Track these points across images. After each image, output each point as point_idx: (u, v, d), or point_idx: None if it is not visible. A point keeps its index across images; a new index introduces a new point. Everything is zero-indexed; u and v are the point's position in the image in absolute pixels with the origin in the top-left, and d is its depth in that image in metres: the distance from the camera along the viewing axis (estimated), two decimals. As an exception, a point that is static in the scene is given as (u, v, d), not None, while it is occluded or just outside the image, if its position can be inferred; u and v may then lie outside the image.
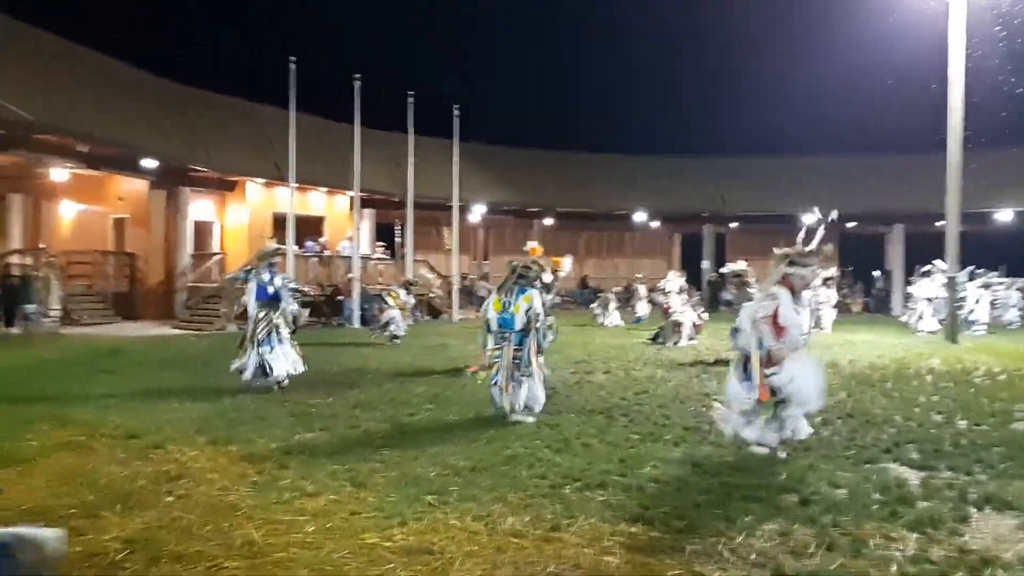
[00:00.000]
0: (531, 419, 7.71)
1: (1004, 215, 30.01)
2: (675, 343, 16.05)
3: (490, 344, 8.14)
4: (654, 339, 16.55)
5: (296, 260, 21.56)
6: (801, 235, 6.71)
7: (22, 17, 18.92)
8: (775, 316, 6.19)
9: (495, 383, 7.95)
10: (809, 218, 6.99)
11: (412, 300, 17.34)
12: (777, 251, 6.67)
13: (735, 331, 6.63)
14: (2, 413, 8.02)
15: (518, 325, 7.99)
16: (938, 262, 19.40)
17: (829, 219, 6.85)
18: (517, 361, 7.94)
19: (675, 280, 17.87)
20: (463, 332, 18.56)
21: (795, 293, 6.39)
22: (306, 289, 10.50)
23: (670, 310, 16.81)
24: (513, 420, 7.66)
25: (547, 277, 8.72)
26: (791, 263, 6.44)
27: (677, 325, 16.45)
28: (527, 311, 7.99)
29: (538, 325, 8.06)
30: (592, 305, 24.74)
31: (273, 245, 11.61)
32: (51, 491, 5.25)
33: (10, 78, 16.51)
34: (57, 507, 4.88)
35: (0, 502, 4.98)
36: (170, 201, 23.26)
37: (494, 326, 8.07)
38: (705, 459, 6.17)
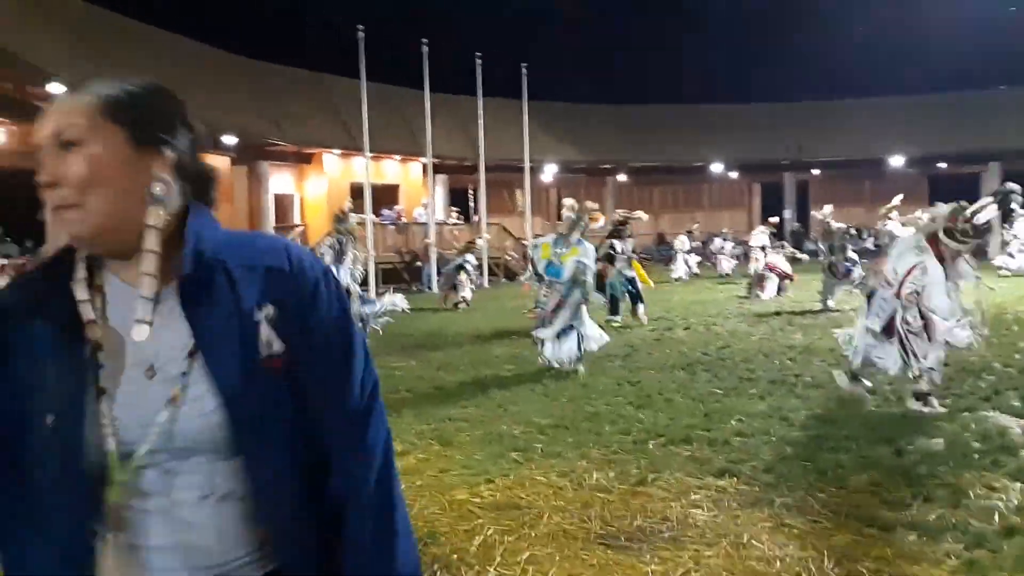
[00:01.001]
0: (582, 368, 7.84)
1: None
2: (758, 296, 15.70)
3: (538, 288, 8.29)
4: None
5: (374, 228, 21.94)
6: (974, 208, 5.89)
7: (99, 2, 19.61)
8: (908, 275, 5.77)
9: (540, 335, 8.05)
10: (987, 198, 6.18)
11: (474, 262, 17.40)
12: (941, 211, 5.95)
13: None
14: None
15: (566, 275, 8.00)
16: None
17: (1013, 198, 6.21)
18: (561, 311, 7.97)
19: (759, 235, 17.51)
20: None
21: (941, 261, 5.81)
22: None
23: (756, 262, 16.49)
24: (568, 369, 7.82)
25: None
26: (949, 233, 5.79)
27: (761, 279, 16.08)
28: (577, 262, 8.00)
29: (584, 278, 8.04)
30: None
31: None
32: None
33: (93, 62, 17.15)
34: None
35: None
36: (251, 176, 23.95)
37: (540, 269, 8.10)
38: (792, 412, 6.05)
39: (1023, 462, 4.60)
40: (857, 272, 12.89)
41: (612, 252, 12.18)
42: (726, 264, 23.18)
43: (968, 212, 5.82)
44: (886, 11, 43.21)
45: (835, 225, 13.86)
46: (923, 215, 6.02)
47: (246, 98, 23.16)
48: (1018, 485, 4.26)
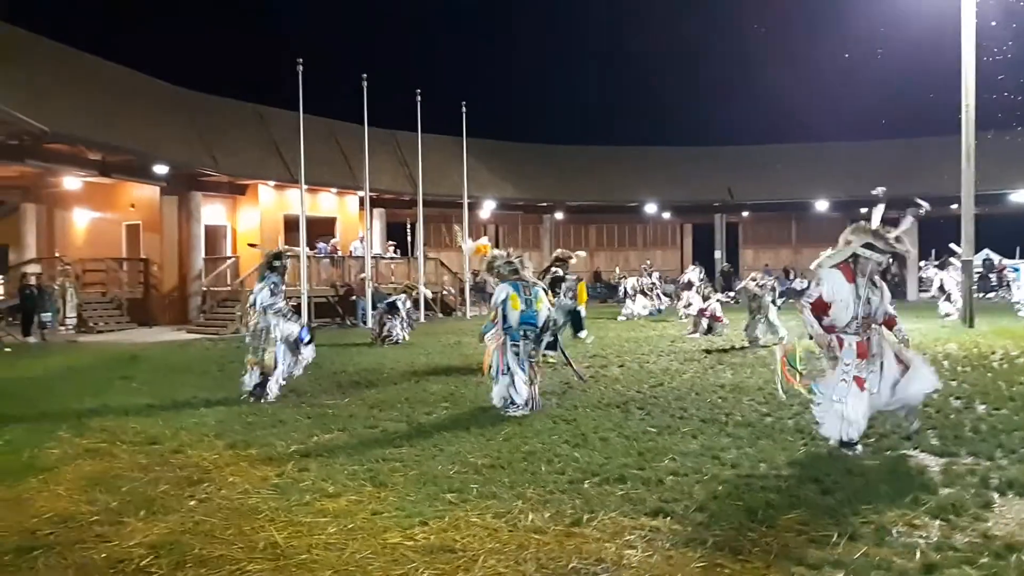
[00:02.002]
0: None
1: (1020, 196, 29.68)
2: (692, 334, 16.05)
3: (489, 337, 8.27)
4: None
5: (309, 261, 21.64)
6: (876, 217, 6.29)
7: (28, 27, 19.05)
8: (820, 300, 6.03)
9: (510, 378, 7.99)
10: (903, 206, 6.60)
11: (408, 304, 17.08)
12: (858, 227, 6.22)
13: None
14: (23, 422, 8.09)
15: (541, 321, 8.26)
16: (952, 245, 19.30)
17: (922, 210, 6.56)
18: (532, 359, 8.16)
19: (690, 273, 18.07)
20: (476, 329, 18.57)
21: (858, 277, 6.06)
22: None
23: (687, 303, 16.96)
24: (523, 413, 7.82)
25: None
26: (870, 245, 6.06)
27: (696, 321, 16.54)
28: (548, 310, 8.41)
29: (552, 322, 8.22)
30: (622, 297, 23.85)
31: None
32: (74, 498, 5.30)
33: (21, 89, 16.62)
34: (81, 514, 4.93)
35: (25, 510, 5.04)
36: (182, 206, 23.39)
37: (515, 324, 8.13)
38: (723, 451, 6.15)
39: (942, 500, 4.77)
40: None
41: (557, 282, 12.40)
42: (657, 302, 23.57)
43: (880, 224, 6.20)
44: (817, 60, 45.22)
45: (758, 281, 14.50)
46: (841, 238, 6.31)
47: (180, 128, 22.70)
48: (938, 523, 4.41)
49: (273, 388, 9.23)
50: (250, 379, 9.30)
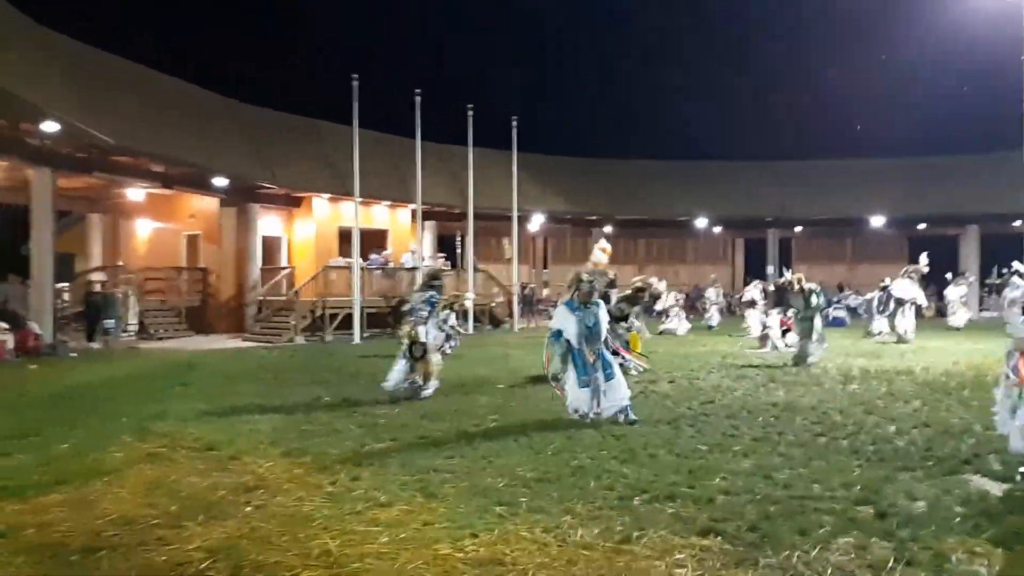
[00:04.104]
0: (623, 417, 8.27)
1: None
2: (765, 349, 16.22)
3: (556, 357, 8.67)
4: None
5: (362, 272, 21.96)
6: None
7: (95, 43, 19.77)
8: None
9: (586, 390, 8.27)
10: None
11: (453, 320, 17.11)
12: None
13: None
14: (87, 426, 8.39)
15: (603, 333, 8.65)
16: (1016, 264, 18.76)
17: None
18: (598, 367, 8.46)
19: (751, 290, 18.09)
20: (524, 342, 18.61)
21: None
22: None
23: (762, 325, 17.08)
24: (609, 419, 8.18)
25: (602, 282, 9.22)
26: None
27: (764, 337, 16.54)
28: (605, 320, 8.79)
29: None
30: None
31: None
32: (136, 501, 5.48)
33: (88, 103, 17.26)
34: (142, 517, 5.09)
35: (91, 512, 5.23)
36: (240, 217, 24.00)
37: (577, 338, 8.44)
38: (776, 470, 6.07)
39: (1004, 527, 4.63)
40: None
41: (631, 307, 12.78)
42: (714, 316, 23.41)
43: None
44: (871, 74, 44.39)
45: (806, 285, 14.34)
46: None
47: (238, 141, 23.32)
48: (999, 551, 4.28)
49: (431, 387, 10.24)
50: (398, 376, 10.14)
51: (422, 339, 10.24)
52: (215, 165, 21.51)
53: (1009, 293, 6.31)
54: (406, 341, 10.33)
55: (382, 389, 10.10)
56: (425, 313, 10.51)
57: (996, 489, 5.53)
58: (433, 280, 11.13)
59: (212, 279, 24.58)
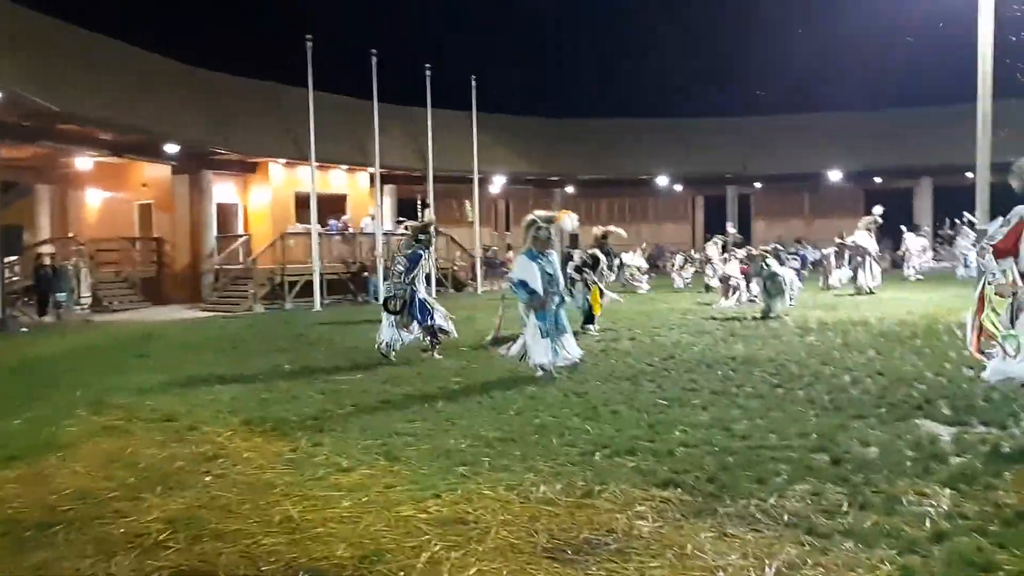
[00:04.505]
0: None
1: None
2: (731, 302, 16.46)
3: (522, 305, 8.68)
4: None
5: (320, 239, 21.69)
6: None
7: (40, 8, 18.99)
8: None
9: (547, 340, 8.34)
10: None
11: None
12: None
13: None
14: (41, 400, 8.22)
15: (562, 280, 8.80)
16: (966, 214, 19.27)
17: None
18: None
19: (710, 247, 18.25)
20: (487, 305, 18.60)
21: None
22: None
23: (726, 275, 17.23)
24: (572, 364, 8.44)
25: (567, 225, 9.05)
26: None
27: (727, 287, 16.77)
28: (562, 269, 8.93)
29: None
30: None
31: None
32: (93, 475, 5.39)
33: (32, 70, 16.63)
34: (99, 490, 5.01)
35: (46, 487, 5.13)
36: (193, 185, 23.48)
37: (540, 288, 8.38)
38: (734, 422, 6.16)
39: (953, 469, 4.77)
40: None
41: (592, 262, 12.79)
42: (679, 280, 23.53)
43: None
44: (827, 30, 44.49)
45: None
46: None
47: (191, 106, 22.68)
48: (948, 491, 4.41)
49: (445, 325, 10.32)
50: (391, 332, 10.08)
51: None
52: (166, 131, 20.94)
53: (961, 241, 6.34)
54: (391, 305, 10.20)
55: (378, 349, 10.19)
56: (402, 268, 10.19)
57: (946, 433, 5.68)
58: (420, 234, 10.48)
59: (167, 249, 24.09)
